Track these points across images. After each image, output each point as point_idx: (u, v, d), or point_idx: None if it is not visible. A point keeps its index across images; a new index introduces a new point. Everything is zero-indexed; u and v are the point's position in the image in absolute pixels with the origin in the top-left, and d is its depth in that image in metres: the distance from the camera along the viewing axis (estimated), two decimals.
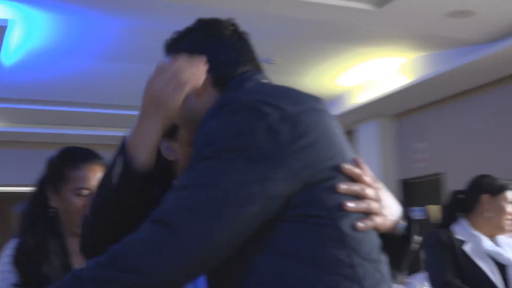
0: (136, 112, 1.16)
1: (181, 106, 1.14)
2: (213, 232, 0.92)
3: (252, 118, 0.97)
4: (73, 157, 1.76)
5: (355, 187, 1.02)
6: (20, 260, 1.64)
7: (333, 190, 0.99)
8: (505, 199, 2.50)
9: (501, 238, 2.53)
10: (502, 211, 2.48)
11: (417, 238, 1.16)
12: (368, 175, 1.06)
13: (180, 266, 0.92)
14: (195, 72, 1.13)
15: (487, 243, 2.44)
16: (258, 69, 1.19)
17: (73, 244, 1.67)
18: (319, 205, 0.96)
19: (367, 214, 1.02)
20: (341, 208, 0.98)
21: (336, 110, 6.75)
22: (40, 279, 1.59)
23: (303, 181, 0.96)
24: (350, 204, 1.00)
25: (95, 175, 1.67)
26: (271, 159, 0.94)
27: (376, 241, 1.03)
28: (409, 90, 6.05)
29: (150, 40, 4.84)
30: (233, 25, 1.22)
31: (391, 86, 6.13)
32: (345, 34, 4.91)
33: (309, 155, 0.97)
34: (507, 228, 2.49)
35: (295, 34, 4.86)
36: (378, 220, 1.04)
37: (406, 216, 1.14)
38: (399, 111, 6.98)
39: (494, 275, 2.35)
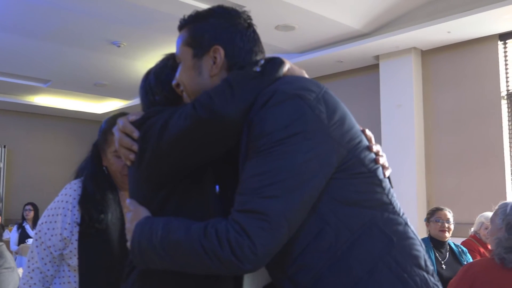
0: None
1: (195, 81, 1.25)
2: (296, 208, 1.05)
3: (297, 103, 1.08)
4: (115, 123, 1.87)
5: (377, 146, 1.22)
6: (87, 204, 1.79)
7: (367, 149, 1.17)
8: None
9: None
10: None
11: None
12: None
13: (273, 247, 1.04)
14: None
15: None
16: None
17: (123, 197, 1.86)
18: (360, 163, 1.14)
19: (383, 165, 1.21)
20: (374, 162, 1.17)
21: None
22: (101, 225, 1.76)
23: (346, 147, 1.11)
24: (380, 159, 1.20)
25: None
26: (321, 135, 1.08)
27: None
28: None
29: (24, 13, 5.04)
30: (250, 18, 1.29)
31: None
32: None
33: (343, 126, 1.13)
34: None
35: (142, 22, 5.26)
36: (390, 168, 1.26)
37: None
38: None
39: None
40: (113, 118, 1.93)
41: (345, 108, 1.18)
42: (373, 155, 1.18)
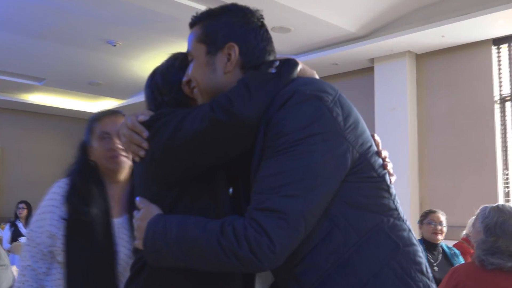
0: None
1: (208, 77, 1.24)
2: (313, 208, 1.05)
3: (316, 105, 1.09)
4: (98, 114, 1.99)
5: (385, 152, 1.23)
6: (73, 198, 1.83)
7: (376, 154, 1.18)
8: None
9: None
10: None
11: None
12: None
13: (291, 246, 1.04)
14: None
15: None
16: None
17: (111, 190, 1.89)
18: (371, 167, 1.14)
19: (388, 172, 1.22)
20: (382, 167, 1.18)
21: None
22: (87, 218, 1.78)
23: (358, 150, 1.12)
24: (388, 164, 1.21)
25: (113, 123, 1.88)
26: (338, 137, 1.08)
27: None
28: None
29: (20, 11, 5.03)
30: (262, 17, 1.29)
31: None
32: (183, 29, 5.51)
33: (357, 129, 1.14)
34: None
35: (138, 22, 5.25)
36: (394, 175, 1.26)
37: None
38: None
39: None
40: (98, 113, 1.99)
41: (357, 112, 1.18)
42: (381, 161, 1.19)
